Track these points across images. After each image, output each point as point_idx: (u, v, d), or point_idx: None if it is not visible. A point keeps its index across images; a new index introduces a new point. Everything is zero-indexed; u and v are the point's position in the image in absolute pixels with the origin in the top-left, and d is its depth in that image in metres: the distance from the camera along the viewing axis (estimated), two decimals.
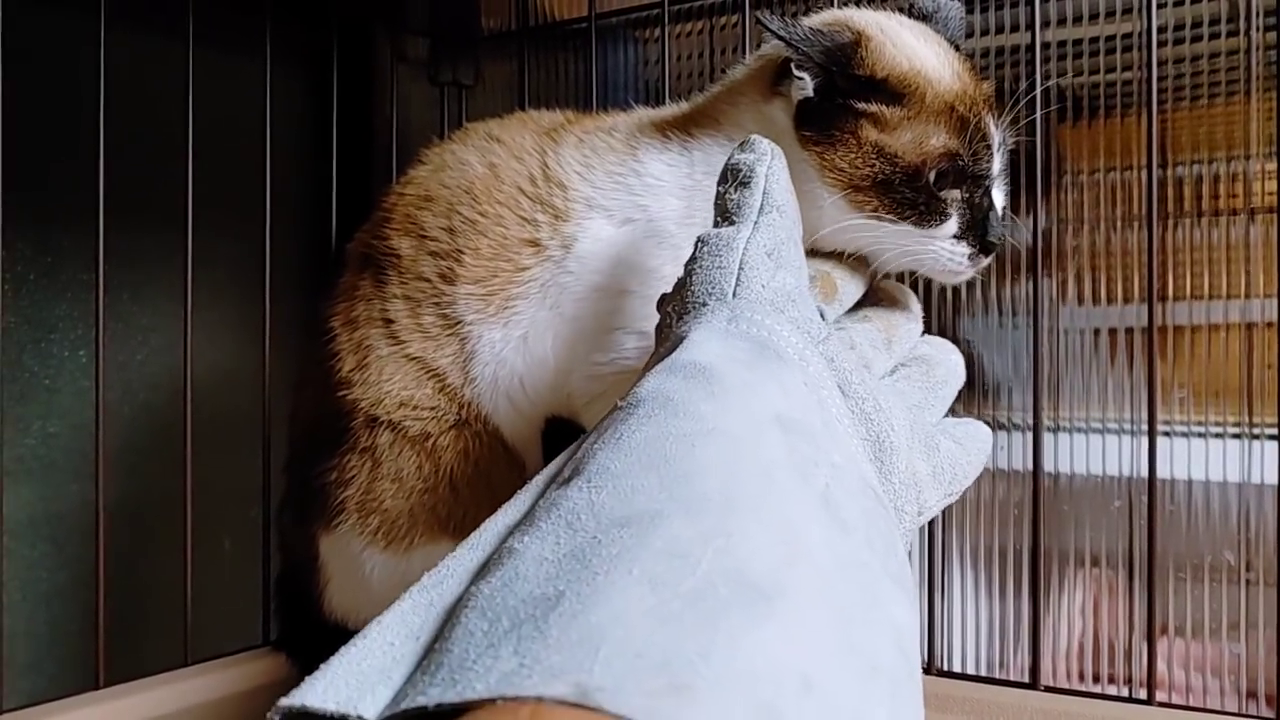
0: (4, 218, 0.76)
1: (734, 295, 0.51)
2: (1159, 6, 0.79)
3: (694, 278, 0.53)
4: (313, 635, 0.81)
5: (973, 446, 0.59)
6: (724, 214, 0.56)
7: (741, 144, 0.58)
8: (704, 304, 0.52)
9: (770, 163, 0.56)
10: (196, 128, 0.88)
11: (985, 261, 0.66)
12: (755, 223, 0.54)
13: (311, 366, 0.80)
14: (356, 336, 0.75)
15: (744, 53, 0.88)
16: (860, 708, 0.35)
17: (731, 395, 0.44)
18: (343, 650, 0.36)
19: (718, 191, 0.57)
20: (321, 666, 0.36)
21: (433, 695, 0.32)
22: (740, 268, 0.52)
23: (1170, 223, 0.83)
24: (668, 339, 0.51)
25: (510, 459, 0.73)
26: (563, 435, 0.71)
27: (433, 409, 0.72)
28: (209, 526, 0.90)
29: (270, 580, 0.91)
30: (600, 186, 0.71)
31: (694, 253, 0.54)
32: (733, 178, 0.56)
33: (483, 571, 0.39)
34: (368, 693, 0.34)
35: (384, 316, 0.74)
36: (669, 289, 0.65)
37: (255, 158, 0.94)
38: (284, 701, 0.35)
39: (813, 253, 0.63)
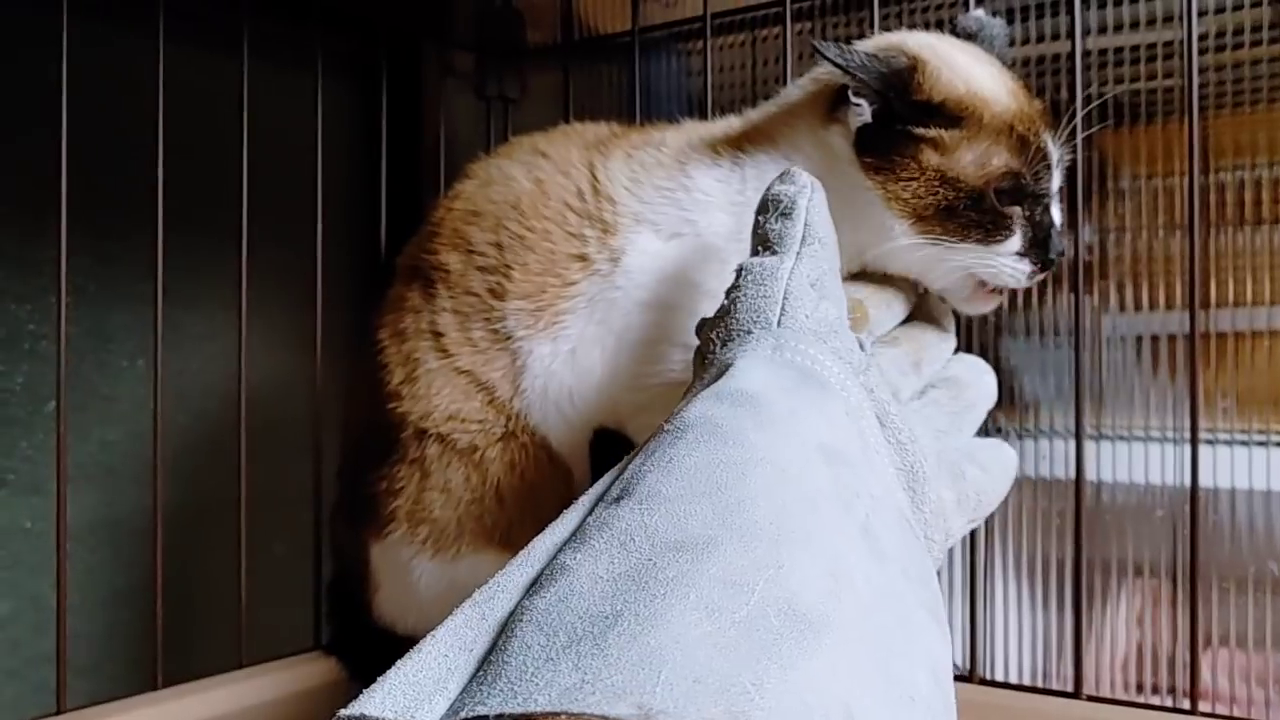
0: (66, 230, 0.78)
1: (779, 324, 0.52)
2: (1200, 14, 0.79)
3: (738, 305, 0.54)
4: (363, 640, 0.83)
5: (997, 471, 0.60)
6: (764, 243, 0.56)
7: (781, 176, 0.58)
8: (749, 331, 0.52)
9: (811, 195, 0.57)
10: (250, 141, 0.91)
11: (1041, 275, 0.66)
12: (798, 253, 0.55)
13: (361, 377, 0.82)
14: (405, 349, 0.76)
15: (785, 64, 0.89)
16: None
17: (778, 424, 0.45)
18: (399, 663, 0.37)
19: (756, 220, 0.58)
20: (378, 679, 0.37)
21: (493, 705, 0.33)
22: (785, 297, 0.53)
23: (1213, 229, 0.83)
24: (711, 364, 0.52)
25: (556, 470, 0.74)
26: (610, 444, 0.71)
27: (480, 422, 0.74)
28: (262, 532, 0.92)
29: (322, 585, 0.93)
30: (648, 201, 0.71)
31: (736, 280, 0.55)
32: (773, 208, 0.57)
33: (535, 587, 0.39)
34: (424, 702, 0.35)
35: (433, 329, 0.75)
36: (717, 304, 0.66)
37: (307, 170, 0.96)
38: (344, 712, 0.36)
39: (847, 277, 0.64)
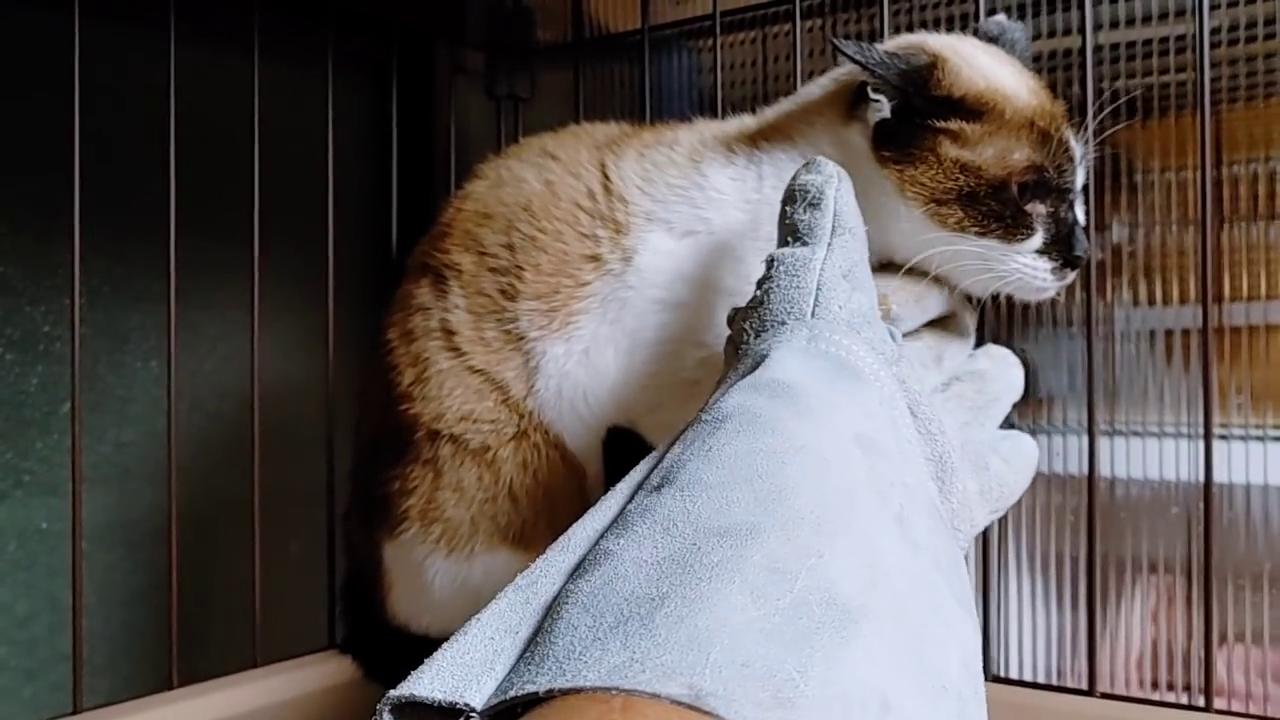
0: (80, 232, 0.78)
1: (812, 315, 0.52)
2: (1212, 8, 0.79)
3: (771, 296, 0.54)
4: (376, 639, 0.83)
5: (1019, 464, 0.60)
6: (793, 234, 0.56)
7: (806, 165, 0.58)
8: (783, 322, 0.53)
9: (838, 185, 0.57)
10: (261, 141, 0.91)
11: (1070, 277, 0.66)
12: (829, 244, 0.55)
13: (372, 377, 0.82)
14: (414, 349, 0.76)
15: (795, 61, 0.89)
16: None
17: (816, 414, 0.45)
18: (445, 645, 0.38)
19: (783, 211, 0.58)
20: (426, 661, 0.37)
21: (542, 683, 0.34)
22: (818, 288, 0.53)
23: (1226, 223, 0.82)
24: (746, 355, 0.52)
25: (568, 469, 0.74)
26: (624, 443, 0.72)
27: (493, 422, 0.74)
28: (276, 532, 0.92)
29: (335, 585, 0.93)
30: (661, 199, 0.71)
31: (768, 271, 0.55)
32: (801, 198, 0.57)
33: (579, 571, 0.40)
34: (473, 683, 0.36)
35: (444, 328, 0.75)
36: (731, 302, 0.66)
37: (318, 170, 0.96)
38: (394, 692, 0.36)
39: (877, 271, 0.64)
